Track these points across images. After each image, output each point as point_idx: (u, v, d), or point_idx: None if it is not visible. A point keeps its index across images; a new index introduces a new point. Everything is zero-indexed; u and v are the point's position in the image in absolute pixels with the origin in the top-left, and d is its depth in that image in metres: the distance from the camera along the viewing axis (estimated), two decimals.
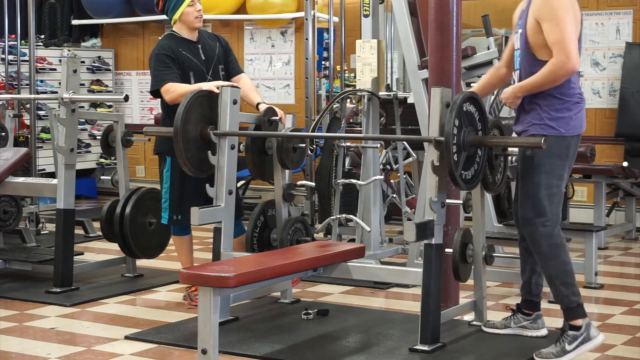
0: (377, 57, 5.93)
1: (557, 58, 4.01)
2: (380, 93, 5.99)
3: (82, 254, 6.42)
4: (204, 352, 3.84)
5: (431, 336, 4.21)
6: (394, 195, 6.68)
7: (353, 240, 6.18)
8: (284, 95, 9.35)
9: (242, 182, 7.87)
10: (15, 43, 8.57)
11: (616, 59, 8.12)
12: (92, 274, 5.93)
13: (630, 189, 7.41)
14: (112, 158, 6.20)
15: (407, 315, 4.92)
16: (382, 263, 5.60)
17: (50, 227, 7.43)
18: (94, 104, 9.62)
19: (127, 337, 4.52)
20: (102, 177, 8.45)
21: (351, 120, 7.69)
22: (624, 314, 5.05)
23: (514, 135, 4.38)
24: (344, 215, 6.10)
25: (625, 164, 7.39)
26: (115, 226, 5.63)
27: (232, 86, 4.90)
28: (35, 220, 7.60)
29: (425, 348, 4.19)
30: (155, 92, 5.16)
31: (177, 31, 5.25)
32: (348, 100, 7.59)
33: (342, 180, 6.14)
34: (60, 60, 9.45)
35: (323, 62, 9.12)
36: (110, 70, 10.32)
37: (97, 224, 6.78)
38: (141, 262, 6.07)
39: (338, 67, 8.61)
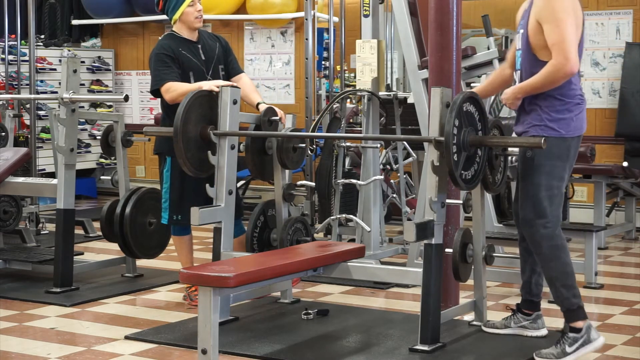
0: (377, 57, 5.93)
1: (556, 60, 4.01)
2: (380, 93, 5.99)
3: (82, 254, 6.42)
4: (204, 352, 3.84)
5: (431, 336, 4.21)
6: (394, 195, 6.68)
7: (353, 240, 6.18)
8: (284, 95, 9.36)
9: (242, 182, 7.87)
10: (15, 43, 8.57)
11: (616, 59, 8.12)
12: (92, 274, 5.93)
13: (630, 189, 7.41)
14: (112, 158, 6.20)
15: (407, 315, 4.92)
16: (382, 263, 5.60)
17: (50, 227, 7.43)
18: (94, 104, 9.62)
19: (127, 337, 4.52)
20: (102, 177, 8.45)
21: (351, 120, 7.69)
22: (624, 314, 5.05)
23: (514, 135, 4.38)
24: (344, 215, 6.10)
25: (625, 164, 7.39)
26: (115, 226, 5.63)
27: (232, 86, 4.90)
28: (35, 220, 7.60)
29: (425, 348, 4.19)
30: (155, 92, 5.17)
31: (177, 31, 5.25)
32: (348, 100, 7.60)
33: (342, 180, 6.14)
34: (60, 60, 9.45)
35: (323, 62, 9.12)
36: (110, 70, 10.32)
37: (97, 224, 6.78)
38: (141, 262, 6.07)
39: (338, 67, 8.61)
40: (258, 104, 5.15)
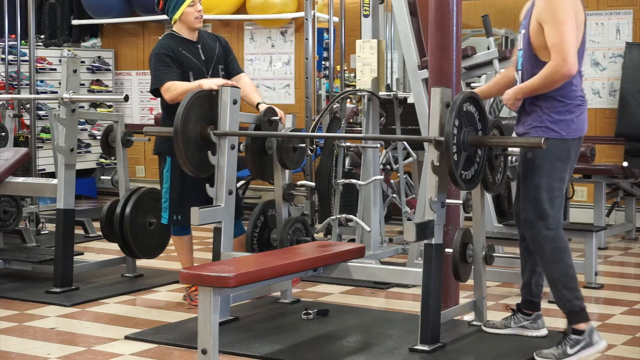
0: (377, 57, 5.93)
1: (554, 61, 4.00)
2: (380, 93, 5.99)
3: (82, 254, 6.42)
4: (204, 352, 3.84)
5: (431, 336, 4.21)
6: (394, 195, 6.68)
7: (353, 240, 6.18)
8: (284, 95, 9.36)
9: (242, 182, 7.87)
10: (15, 43, 8.57)
11: (616, 59, 8.12)
12: (92, 274, 5.93)
13: (630, 189, 7.41)
14: (112, 158, 6.20)
15: (407, 315, 4.92)
16: (382, 263, 5.60)
17: (50, 227, 7.43)
18: (94, 104, 9.62)
19: (127, 337, 4.52)
20: (102, 177, 8.45)
21: (351, 120, 7.69)
22: (624, 314, 5.05)
23: (514, 135, 4.38)
24: (344, 215, 6.10)
25: (625, 164, 7.39)
26: (115, 226, 5.63)
27: (232, 86, 4.90)
28: (35, 220, 7.60)
29: (425, 348, 4.19)
30: (155, 91, 5.17)
31: (177, 31, 5.25)
32: (348, 100, 7.59)
33: (342, 180, 6.14)
34: (60, 60, 9.45)
35: (323, 62, 9.12)
36: (110, 70, 10.32)
37: (97, 224, 6.78)
38: (141, 262, 6.07)
39: (338, 67, 8.61)
40: (258, 104, 5.15)
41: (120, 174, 5.84)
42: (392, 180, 7.12)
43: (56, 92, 8.13)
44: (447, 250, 4.35)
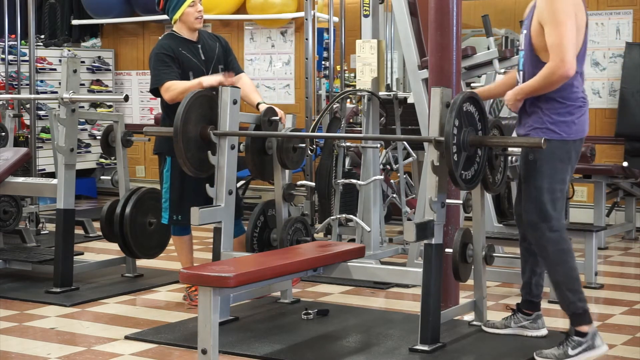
0: (377, 57, 5.93)
1: (552, 62, 4.00)
2: (380, 93, 5.99)
3: (82, 254, 6.42)
4: (204, 352, 3.84)
5: (431, 336, 4.21)
6: (394, 195, 6.68)
7: (353, 240, 6.18)
8: (284, 95, 9.36)
9: (242, 182, 7.87)
10: (15, 43, 8.57)
11: (616, 59, 8.12)
12: (92, 274, 5.93)
13: (630, 189, 7.41)
14: (112, 158, 6.19)
15: (407, 315, 4.92)
16: (382, 263, 5.60)
17: (50, 227, 7.43)
18: (94, 104, 9.62)
19: (127, 337, 4.52)
20: (102, 177, 8.44)
21: (351, 120, 7.69)
22: (624, 314, 5.05)
23: (514, 135, 4.38)
24: (344, 215, 6.10)
25: (625, 164, 7.39)
26: (115, 226, 5.63)
27: (232, 85, 4.90)
28: (35, 220, 7.60)
29: (425, 348, 4.19)
30: (155, 91, 5.17)
31: (177, 31, 5.26)
32: (348, 100, 7.59)
33: (342, 180, 6.14)
34: (60, 60, 9.45)
35: (323, 62, 9.12)
36: (110, 70, 10.32)
37: (97, 224, 6.78)
38: (141, 262, 6.07)
39: (338, 67, 8.61)
40: (258, 104, 5.15)
41: (120, 174, 5.84)
42: (392, 180, 7.12)
43: (56, 92, 8.13)
44: (447, 250, 4.35)
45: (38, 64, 9.08)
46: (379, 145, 6.09)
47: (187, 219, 4.80)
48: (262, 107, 5.08)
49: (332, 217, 6.16)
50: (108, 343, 4.43)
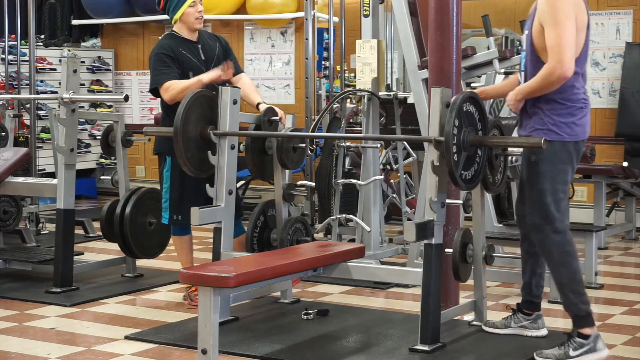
0: (377, 57, 5.93)
1: (550, 63, 4.00)
2: (380, 93, 5.99)
3: (82, 254, 6.42)
4: (204, 352, 3.84)
5: (431, 336, 4.21)
6: (394, 195, 6.68)
7: (353, 240, 6.18)
8: (284, 95, 9.36)
9: (242, 182, 7.87)
10: (15, 43, 8.57)
11: (616, 59, 8.12)
12: (92, 274, 5.93)
13: (630, 189, 7.41)
14: (112, 158, 6.19)
15: (407, 315, 4.92)
16: (382, 263, 5.60)
17: (50, 227, 7.43)
18: (94, 104, 9.62)
19: (127, 337, 4.52)
20: (102, 177, 8.45)
21: (351, 120, 7.69)
22: (624, 314, 5.05)
23: (514, 135, 4.37)
24: (344, 215, 6.10)
25: (625, 164, 7.39)
26: (115, 226, 5.63)
27: (233, 87, 4.90)
28: (35, 220, 7.60)
29: (425, 348, 4.19)
30: (155, 91, 5.17)
31: (178, 31, 5.25)
32: (348, 100, 7.60)
33: (342, 180, 6.14)
34: (60, 60, 9.45)
35: (323, 62, 9.12)
36: (110, 70, 10.32)
37: (97, 224, 6.78)
38: (141, 262, 6.07)
39: (338, 67, 8.61)
40: (258, 104, 5.15)
41: (120, 174, 5.84)
42: (392, 180, 7.12)
43: (56, 92, 8.13)
44: (447, 250, 4.35)
45: (38, 64, 9.08)
46: (379, 145, 6.09)
47: (187, 219, 4.80)
48: (262, 107, 5.08)
49: (332, 217, 6.16)
50: (108, 343, 4.43)
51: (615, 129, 8.07)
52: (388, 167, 6.70)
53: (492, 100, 6.35)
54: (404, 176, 6.59)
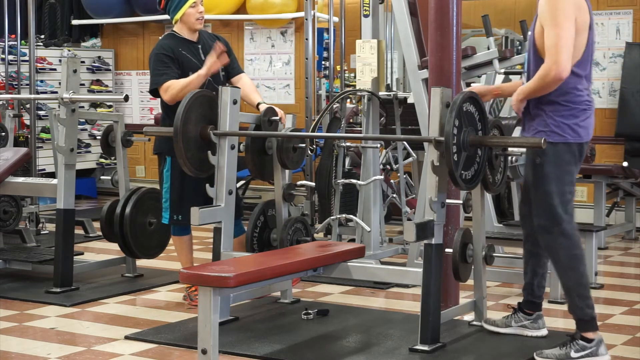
0: (377, 57, 5.93)
1: (546, 63, 3.99)
2: (380, 93, 5.99)
3: (82, 254, 6.42)
4: (204, 352, 3.84)
5: (431, 336, 4.21)
6: (394, 195, 6.68)
7: (353, 240, 6.18)
8: (284, 95, 9.36)
9: (242, 182, 7.87)
10: (15, 43, 8.57)
11: (616, 59, 8.12)
12: (92, 274, 5.93)
13: (630, 189, 7.41)
14: (112, 158, 6.19)
15: (407, 315, 4.92)
16: (382, 263, 5.60)
17: (50, 227, 7.43)
18: (94, 104, 9.62)
19: (127, 337, 4.52)
20: (102, 177, 8.44)
21: (351, 120, 7.69)
22: (624, 314, 5.05)
23: (514, 135, 4.37)
24: (344, 215, 6.10)
25: (625, 164, 7.39)
26: (115, 226, 5.63)
27: (233, 86, 4.90)
28: (35, 220, 7.60)
29: (425, 348, 4.19)
30: (155, 92, 5.17)
31: (178, 31, 5.26)
32: (348, 100, 7.59)
33: (342, 180, 6.14)
34: (60, 60, 9.45)
35: (323, 62, 9.12)
36: (110, 70, 10.32)
37: (97, 224, 6.78)
38: (141, 262, 6.07)
39: (338, 67, 8.61)
40: (258, 104, 5.16)
41: (120, 174, 5.84)
42: (392, 180, 7.12)
43: (56, 92, 8.13)
44: (447, 250, 4.35)
45: (38, 64, 9.08)
46: (379, 145, 6.09)
47: (187, 219, 4.80)
48: (262, 107, 5.08)
49: (332, 217, 6.16)
50: (108, 343, 4.43)
51: (615, 129, 8.07)
52: (388, 167, 6.70)
53: (492, 100, 6.35)
54: (404, 176, 6.59)
